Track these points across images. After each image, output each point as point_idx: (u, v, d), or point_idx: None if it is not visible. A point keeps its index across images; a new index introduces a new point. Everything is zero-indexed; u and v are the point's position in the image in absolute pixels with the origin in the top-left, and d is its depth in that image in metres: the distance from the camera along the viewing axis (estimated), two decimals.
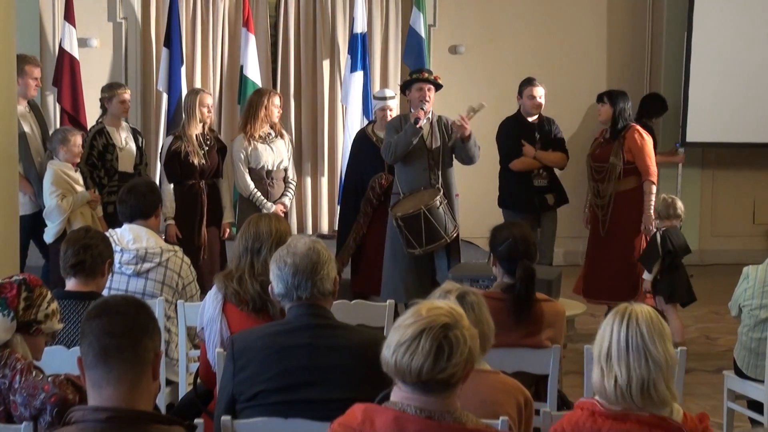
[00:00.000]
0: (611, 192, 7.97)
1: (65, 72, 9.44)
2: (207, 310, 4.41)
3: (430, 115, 7.72)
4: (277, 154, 8.03)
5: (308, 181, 10.66)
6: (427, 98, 7.67)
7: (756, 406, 5.72)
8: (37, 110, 7.97)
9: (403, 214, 7.41)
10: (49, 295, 3.64)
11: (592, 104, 10.39)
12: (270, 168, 8.01)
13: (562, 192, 8.33)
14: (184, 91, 9.61)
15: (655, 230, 7.77)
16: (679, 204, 7.75)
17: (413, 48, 10.19)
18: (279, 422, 3.45)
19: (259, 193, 7.94)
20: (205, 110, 7.81)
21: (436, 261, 7.70)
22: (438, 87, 7.81)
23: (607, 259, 8.03)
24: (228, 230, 8.00)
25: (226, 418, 3.48)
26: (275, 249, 4.24)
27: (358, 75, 10.00)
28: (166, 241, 7.34)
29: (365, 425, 2.83)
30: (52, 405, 3.29)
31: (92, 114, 8.98)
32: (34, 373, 3.41)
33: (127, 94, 7.96)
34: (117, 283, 5.46)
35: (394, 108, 8.34)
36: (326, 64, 10.54)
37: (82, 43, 9.82)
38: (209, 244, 7.85)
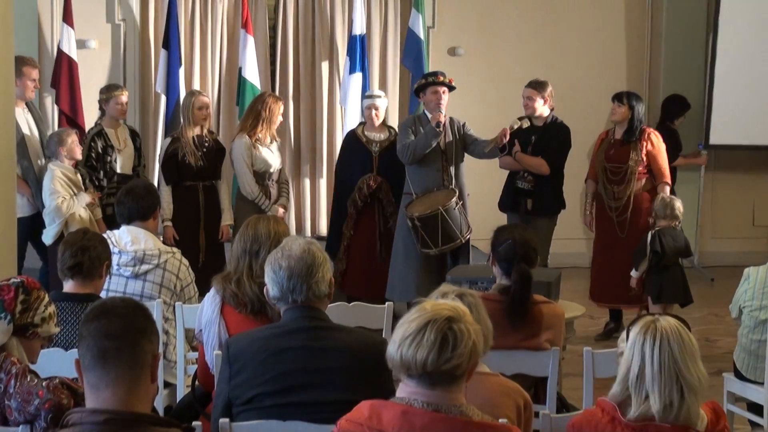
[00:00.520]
0: (629, 194, 7.94)
1: (63, 73, 9.43)
2: (205, 312, 4.41)
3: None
4: (276, 156, 8.08)
5: (307, 183, 10.66)
6: (442, 101, 7.75)
7: (756, 408, 5.73)
8: (35, 112, 7.98)
9: (421, 214, 7.49)
10: (47, 299, 3.64)
11: (596, 106, 10.44)
12: (271, 171, 8.05)
13: (544, 199, 8.09)
14: (183, 93, 9.62)
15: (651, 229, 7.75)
16: (678, 204, 7.66)
17: (412, 50, 10.18)
18: (276, 425, 3.46)
19: (264, 197, 7.99)
20: (201, 112, 7.84)
21: (449, 261, 7.78)
22: (451, 89, 7.89)
23: (624, 261, 7.88)
24: (227, 232, 8.01)
25: (223, 421, 3.48)
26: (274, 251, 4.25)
27: (357, 77, 9.99)
28: (163, 243, 7.41)
29: (372, 420, 2.87)
30: (46, 411, 3.28)
31: (90, 116, 8.99)
32: (29, 377, 3.40)
33: (124, 96, 7.98)
34: (115, 285, 5.47)
35: (380, 107, 8.27)
36: (325, 66, 10.54)
37: (81, 44, 9.82)
38: (207, 246, 7.86)
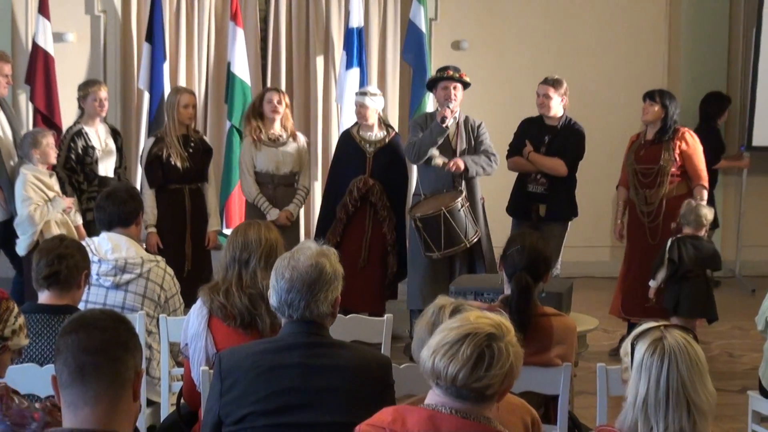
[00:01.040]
0: (661, 197, 7.89)
1: (39, 69, 9.42)
2: (191, 325, 4.41)
3: (457, 115, 7.91)
4: (284, 157, 8.08)
5: None
6: (453, 97, 7.84)
7: None
8: (7, 110, 7.97)
9: (422, 214, 7.54)
10: (16, 309, 3.62)
11: (612, 103, 10.45)
12: (272, 172, 8.06)
13: (560, 204, 8.11)
14: (167, 90, 9.63)
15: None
16: (704, 212, 7.58)
17: (413, 43, 10.17)
18: None
19: (264, 199, 8.04)
20: (187, 110, 7.85)
21: (459, 268, 7.82)
22: (465, 85, 7.91)
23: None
24: (214, 239, 8.02)
25: None
26: (264, 259, 4.26)
27: (354, 72, 9.99)
28: (146, 251, 7.41)
29: (396, 424, 2.93)
30: None
31: (68, 114, 8.99)
32: (16, 399, 3.37)
33: (103, 92, 7.97)
34: (94, 296, 5.46)
35: (370, 107, 8.25)
36: (320, 61, 10.55)
37: (58, 37, 9.82)
38: (194, 254, 7.87)
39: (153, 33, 9.73)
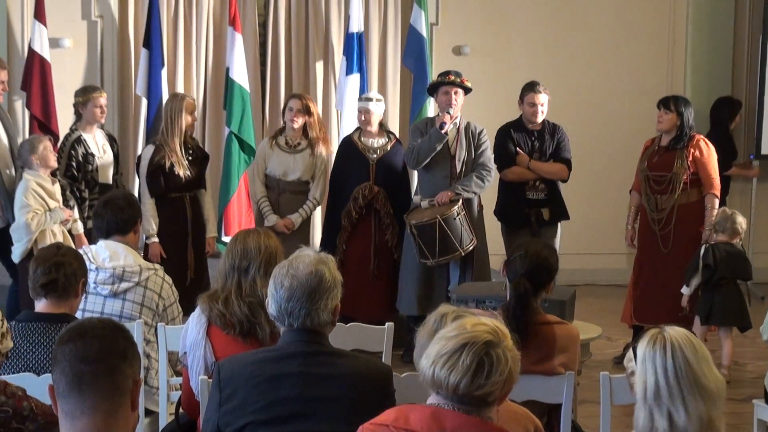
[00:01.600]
0: (673, 204, 7.89)
1: (35, 75, 9.43)
2: (190, 334, 4.42)
3: (457, 121, 7.93)
4: (294, 164, 8.10)
5: None
6: (454, 102, 7.85)
7: None
8: (4, 117, 7.97)
9: (418, 222, 7.59)
10: (1, 314, 3.62)
11: (612, 108, 10.46)
12: (279, 176, 8.08)
13: (561, 206, 8.23)
14: (165, 96, 9.63)
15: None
16: (740, 219, 7.71)
17: (414, 49, 10.17)
18: None
19: (266, 203, 8.08)
20: (190, 117, 7.85)
21: (451, 273, 7.89)
22: (467, 90, 7.93)
23: (670, 278, 7.89)
24: (212, 245, 8.02)
25: None
26: (264, 267, 4.26)
27: (354, 78, 10.00)
28: (148, 260, 7.42)
29: (399, 422, 2.99)
30: None
31: (64, 120, 8.97)
32: (32, 401, 3.37)
33: (103, 98, 7.98)
34: (92, 305, 5.47)
35: (374, 112, 8.30)
36: (319, 66, 10.56)
37: (54, 43, 9.82)
38: (196, 263, 7.87)
39: (151, 38, 9.72)
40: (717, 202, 7.93)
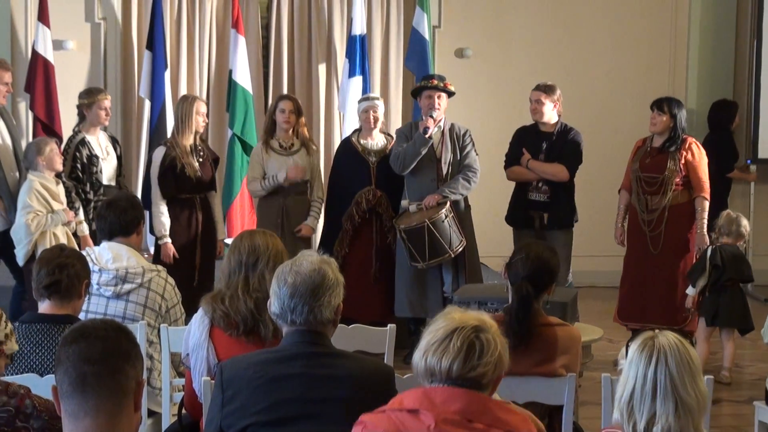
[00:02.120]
0: (664, 206, 7.91)
1: (39, 77, 9.45)
2: (193, 335, 4.42)
3: (442, 124, 7.95)
4: (294, 165, 8.08)
5: None
6: (437, 106, 7.83)
7: None
8: (7, 119, 7.97)
9: (407, 226, 7.62)
10: (5, 315, 3.63)
11: (615, 111, 10.48)
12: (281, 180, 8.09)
13: (564, 211, 8.13)
14: (168, 98, 9.66)
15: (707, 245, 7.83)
16: (744, 222, 7.78)
17: (416, 51, 10.18)
18: None
19: (269, 177, 8.08)
20: (200, 119, 7.86)
21: (444, 275, 7.92)
22: (450, 94, 7.94)
23: (657, 279, 7.94)
24: (221, 247, 8.03)
25: None
26: (272, 263, 4.26)
27: (357, 80, 10.01)
28: (161, 261, 7.48)
29: (394, 404, 3.08)
30: None
31: (68, 122, 8.98)
32: (35, 399, 3.38)
33: (107, 101, 7.98)
34: (95, 306, 5.47)
35: (380, 111, 8.33)
36: (322, 69, 10.57)
37: (58, 45, 9.84)
38: (202, 264, 7.86)
39: (154, 40, 9.74)
40: (707, 204, 7.95)
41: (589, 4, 11.07)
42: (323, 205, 8.38)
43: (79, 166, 7.79)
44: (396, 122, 10.49)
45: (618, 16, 11.11)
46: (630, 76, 11.02)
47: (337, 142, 10.38)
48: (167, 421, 5.24)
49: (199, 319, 4.41)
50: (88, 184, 7.82)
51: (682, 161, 7.88)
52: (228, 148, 9.89)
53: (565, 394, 4.52)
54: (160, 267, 5.71)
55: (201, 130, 7.95)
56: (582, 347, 4.95)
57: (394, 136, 8.28)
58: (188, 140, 7.81)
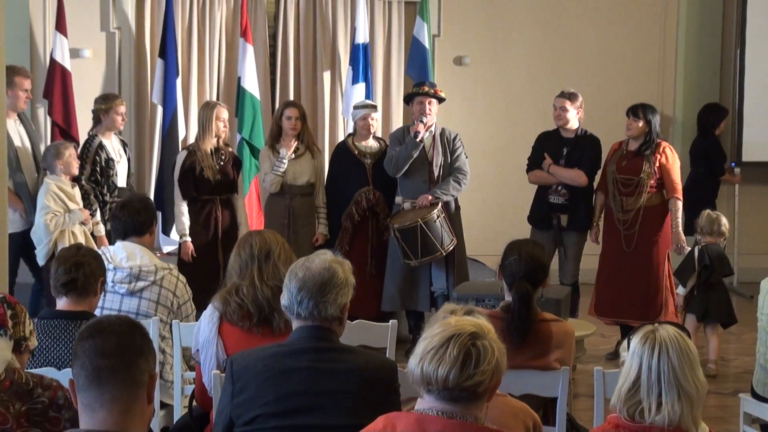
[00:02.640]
0: (638, 207, 7.93)
1: (56, 84, 9.45)
2: (202, 332, 4.42)
3: (433, 128, 8.02)
4: (301, 168, 8.11)
5: None
6: (428, 111, 7.90)
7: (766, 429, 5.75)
8: (27, 124, 7.99)
9: (400, 225, 7.69)
10: (26, 311, 3.64)
11: (609, 117, 10.45)
12: (289, 182, 8.08)
13: (581, 214, 8.17)
14: (180, 103, 9.67)
15: (693, 245, 7.91)
16: (724, 221, 7.89)
17: (417, 59, 10.18)
18: None
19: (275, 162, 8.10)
20: (221, 124, 7.89)
21: (433, 272, 8.00)
22: (441, 100, 7.99)
23: (630, 276, 7.98)
24: None
25: None
26: (284, 255, 4.30)
27: (360, 87, 10.01)
28: (181, 259, 7.50)
29: (387, 429, 2.93)
30: None
31: (84, 127, 8.99)
32: (67, 391, 3.38)
33: (123, 107, 8.02)
34: (110, 303, 5.47)
35: (377, 118, 8.43)
36: (327, 76, 10.56)
37: (74, 53, 9.84)
38: (225, 263, 7.85)
39: (166, 49, 9.73)
40: (680, 204, 7.99)
41: (582, 15, 11.05)
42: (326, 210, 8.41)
43: (98, 169, 7.81)
44: (397, 127, 10.47)
45: (610, 24, 11.10)
46: (621, 82, 11.00)
47: None
48: (179, 412, 5.25)
49: (209, 316, 4.42)
50: (105, 187, 7.84)
51: (657, 164, 7.93)
52: (236, 152, 9.88)
53: (559, 386, 4.53)
54: (171, 265, 5.72)
55: (222, 135, 7.95)
56: (575, 342, 4.96)
57: (387, 140, 8.32)
58: (209, 144, 7.85)
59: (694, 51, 11.22)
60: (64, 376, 3.62)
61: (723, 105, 10.82)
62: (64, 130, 9.33)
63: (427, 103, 7.98)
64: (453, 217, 8.04)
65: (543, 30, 10.99)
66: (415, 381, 2.90)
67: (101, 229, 7.67)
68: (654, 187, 7.94)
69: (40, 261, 7.39)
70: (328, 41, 10.55)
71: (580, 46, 11.03)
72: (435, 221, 7.71)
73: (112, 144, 7.97)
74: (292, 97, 10.39)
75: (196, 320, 4.92)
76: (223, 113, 7.94)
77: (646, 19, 11.18)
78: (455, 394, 2.84)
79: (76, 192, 7.50)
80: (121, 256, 5.56)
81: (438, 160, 7.99)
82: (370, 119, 8.27)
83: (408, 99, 8.24)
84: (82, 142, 8.30)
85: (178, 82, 9.82)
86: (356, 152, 8.27)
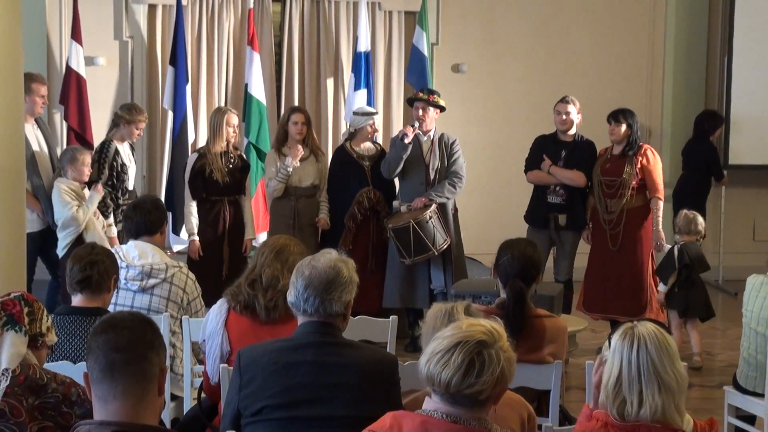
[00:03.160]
0: (622, 207, 7.94)
1: (72, 90, 9.45)
2: (210, 323, 4.44)
3: (431, 133, 8.04)
4: (306, 171, 8.14)
5: None
6: (421, 116, 8.03)
7: (749, 419, 5.76)
8: (44, 128, 8.00)
9: (394, 226, 7.78)
10: (44, 308, 3.64)
11: (602, 123, 10.47)
12: (295, 185, 8.10)
13: (579, 213, 8.19)
14: (189, 109, 9.68)
15: (672, 244, 7.95)
16: (700, 220, 7.93)
17: (416, 66, 10.18)
18: None
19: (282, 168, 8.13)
20: (231, 129, 7.91)
21: (432, 270, 8.03)
22: (436, 107, 8.01)
23: (616, 274, 8.02)
24: (249, 246, 8.04)
25: None
26: (300, 257, 4.31)
27: (362, 93, 10.01)
28: (188, 256, 7.52)
29: (393, 429, 2.91)
30: None
31: (99, 132, 9.01)
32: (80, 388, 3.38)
33: (144, 124, 8.15)
34: (123, 299, 5.48)
35: (377, 124, 8.49)
36: (330, 83, 10.56)
37: (89, 61, 9.84)
38: (231, 259, 7.88)
39: (176, 57, 9.73)
40: (662, 204, 8.02)
41: (574, 24, 11.04)
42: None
43: (115, 174, 7.87)
44: (398, 131, 10.47)
45: (601, 33, 11.09)
46: (611, 88, 10.98)
47: None
48: (188, 404, 5.26)
49: (218, 308, 4.44)
50: (119, 191, 7.89)
51: (639, 165, 7.95)
52: (244, 155, 9.88)
53: (552, 379, 4.53)
54: (181, 263, 5.73)
55: (232, 140, 7.97)
56: (568, 337, 4.96)
57: (382, 144, 8.36)
58: (219, 147, 7.88)
59: (682, 57, 11.22)
60: (78, 370, 3.62)
61: (721, 114, 10.78)
62: (79, 134, 9.35)
63: (421, 108, 8.02)
64: (450, 218, 8.04)
65: (537, 39, 10.98)
66: (422, 379, 2.90)
67: (114, 231, 7.71)
68: (637, 189, 7.95)
69: (60, 252, 7.41)
70: (331, 49, 10.56)
71: (573, 54, 11.03)
72: (427, 222, 7.75)
73: (124, 149, 8.01)
74: (297, 103, 10.38)
75: (205, 316, 4.92)
76: (234, 119, 7.97)
77: (634, 28, 11.17)
78: (457, 399, 2.84)
79: (85, 193, 7.52)
80: (134, 255, 5.57)
81: (435, 163, 8.02)
82: (372, 125, 8.30)
83: (410, 103, 8.30)
84: (96, 145, 8.31)
85: (188, 88, 9.82)
86: (355, 155, 8.28)
